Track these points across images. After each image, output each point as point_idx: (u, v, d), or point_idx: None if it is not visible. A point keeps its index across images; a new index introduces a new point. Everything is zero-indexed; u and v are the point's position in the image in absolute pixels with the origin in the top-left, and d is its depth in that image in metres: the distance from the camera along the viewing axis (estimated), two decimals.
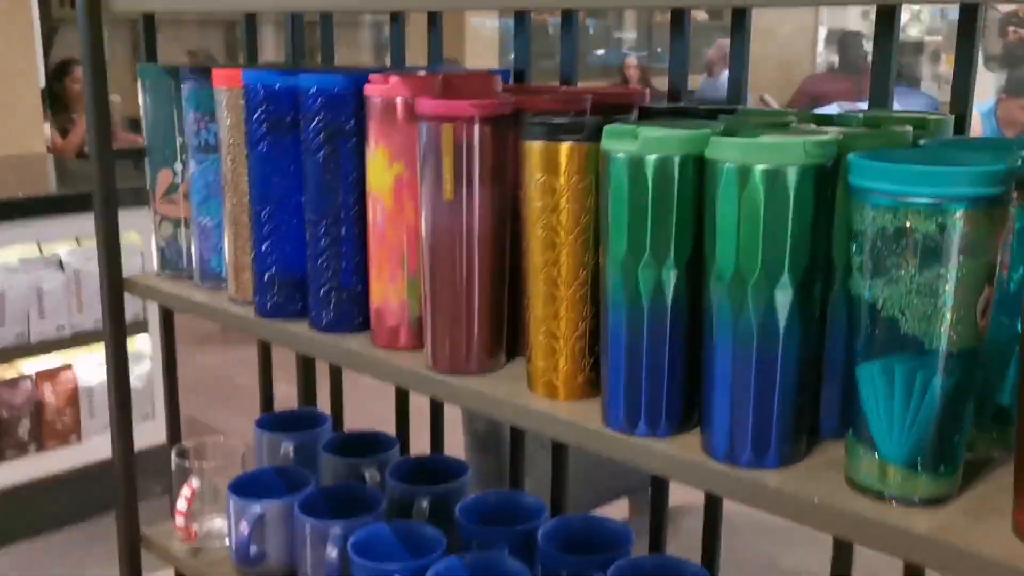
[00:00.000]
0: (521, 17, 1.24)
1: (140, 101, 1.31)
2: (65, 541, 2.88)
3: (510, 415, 0.92)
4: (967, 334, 0.68)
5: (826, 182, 0.74)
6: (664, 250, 0.79)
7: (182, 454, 1.38)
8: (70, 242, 3.00)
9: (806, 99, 4.70)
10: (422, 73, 1.07)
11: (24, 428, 2.86)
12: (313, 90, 1.05)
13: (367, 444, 1.42)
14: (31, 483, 2.89)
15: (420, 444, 1.47)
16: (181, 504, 1.31)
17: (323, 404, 1.58)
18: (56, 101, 5.12)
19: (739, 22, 1.03)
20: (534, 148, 0.88)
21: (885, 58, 0.92)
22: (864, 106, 3.29)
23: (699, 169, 0.77)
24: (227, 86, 1.16)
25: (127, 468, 1.40)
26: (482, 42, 7.50)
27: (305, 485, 1.31)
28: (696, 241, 0.79)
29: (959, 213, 0.65)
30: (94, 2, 1.26)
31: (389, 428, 1.48)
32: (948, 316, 0.67)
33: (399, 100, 0.99)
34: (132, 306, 3.00)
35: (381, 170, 1.01)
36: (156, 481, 3.05)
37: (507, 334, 1.00)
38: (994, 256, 0.67)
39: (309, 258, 1.10)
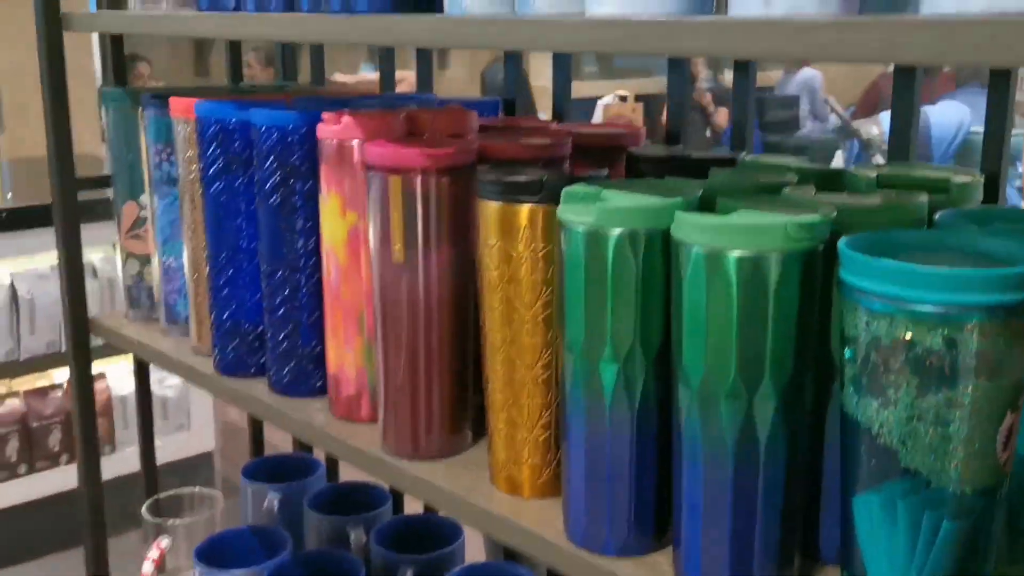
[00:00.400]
0: None
1: (103, 127, 1.21)
2: None
3: (467, 516, 0.80)
4: (985, 470, 0.54)
5: (816, 269, 0.60)
6: (628, 342, 0.66)
7: (154, 509, 1.28)
8: (105, 248, 2.95)
9: (875, 99, 4.48)
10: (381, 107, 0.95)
11: (55, 439, 2.82)
12: (265, 127, 0.94)
13: (358, 498, 1.31)
14: (62, 495, 2.85)
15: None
16: (147, 567, 1.21)
17: None
18: None
19: (742, 69, 0.89)
20: (489, 208, 0.75)
21: (906, 113, 0.78)
22: (935, 108, 3.07)
23: (669, 247, 0.64)
24: (184, 117, 1.05)
25: (95, 510, 1.31)
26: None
27: (282, 549, 1.20)
28: (669, 334, 0.66)
29: (972, 325, 0.51)
30: (54, 24, 1.16)
31: None
32: (960, 450, 0.54)
33: (353, 143, 0.87)
34: None
35: (334, 220, 0.90)
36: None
37: (475, 408, 0.88)
38: (1018, 375, 0.53)
39: (265, 311, 0.99)
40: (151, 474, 1.40)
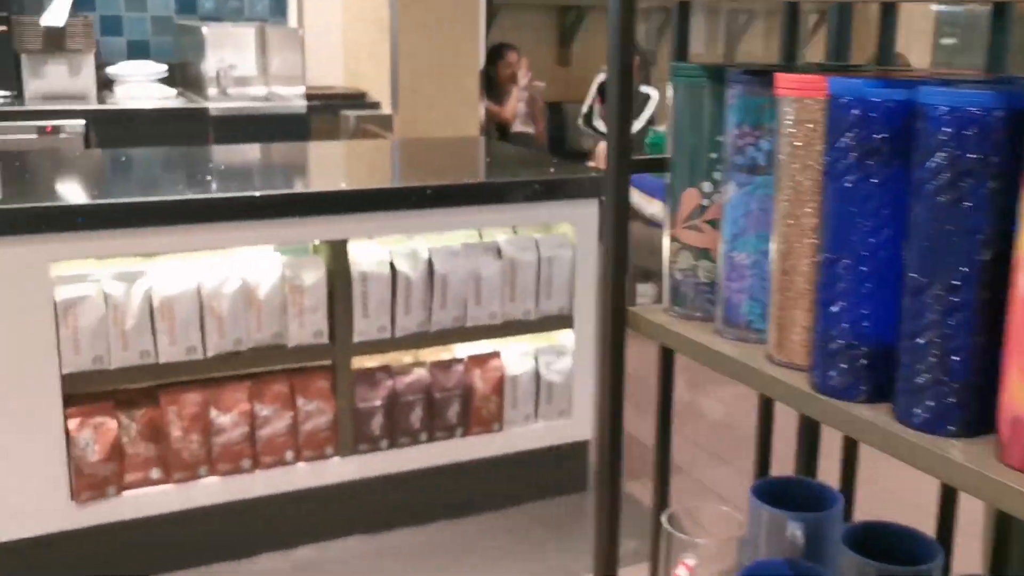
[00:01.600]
0: None
1: (670, 104, 1.10)
2: (476, 528, 2.87)
3: None
4: None
5: None
6: None
7: (673, 521, 1.17)
8: (506, 230, 2.95)
9: None
10: None
11: (454, 411, 2.85)
12: (940, 110, 0.78)
13: (893, 542, 1.13)
14: (457, 465, 2.89)
15: (971, 551, 1.17)
16: None
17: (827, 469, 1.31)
18: (488, 84, 5.36)
19: None
20: None
21: None
22: None
23: None
24: (797, 95, 0.91)
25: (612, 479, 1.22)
26: (912, 31, 6.76)
27: None
28: None
29: None
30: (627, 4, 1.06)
31: (918, 518, 1.18)
32: None
33: None
34: (558, 299, 2.92)
35: None
36: (565, 478, 2.99)
37: None
38: None
39: (904, 333, 0.83)
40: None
